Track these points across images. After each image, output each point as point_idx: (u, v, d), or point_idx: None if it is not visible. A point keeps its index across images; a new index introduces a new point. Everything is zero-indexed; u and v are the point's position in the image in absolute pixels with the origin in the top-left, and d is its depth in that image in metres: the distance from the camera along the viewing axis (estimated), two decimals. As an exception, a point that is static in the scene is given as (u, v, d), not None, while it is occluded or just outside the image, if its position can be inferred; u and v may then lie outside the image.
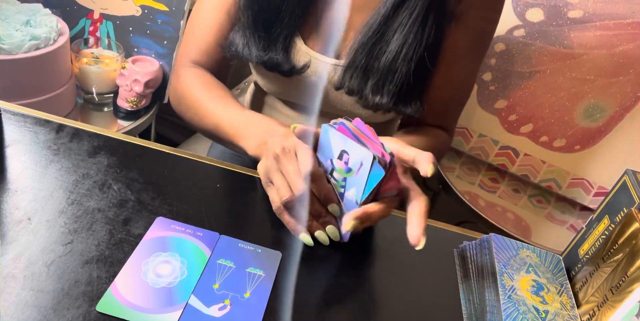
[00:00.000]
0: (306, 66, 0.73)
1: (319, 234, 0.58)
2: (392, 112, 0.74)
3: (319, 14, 0.72)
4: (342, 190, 0.56)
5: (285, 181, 0.57)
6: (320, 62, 0.73)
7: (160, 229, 0.56)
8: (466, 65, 0.76)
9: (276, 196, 0.58)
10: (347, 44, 0.72)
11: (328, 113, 0.79)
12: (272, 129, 0.64)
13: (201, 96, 0.73)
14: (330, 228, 0.58)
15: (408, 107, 0.72)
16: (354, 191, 0.55)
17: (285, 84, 0.77)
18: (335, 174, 0.56)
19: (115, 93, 1.10)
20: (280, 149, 0.57)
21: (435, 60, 0.72)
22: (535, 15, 1.05)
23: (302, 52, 0.73)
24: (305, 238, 0.58)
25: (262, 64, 0.73)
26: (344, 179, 0.55)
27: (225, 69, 0.81)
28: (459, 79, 0.77)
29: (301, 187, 0.55)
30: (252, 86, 0.93)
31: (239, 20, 0.73)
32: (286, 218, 0.58)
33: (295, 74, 0.73)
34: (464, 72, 0.77)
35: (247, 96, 0.95)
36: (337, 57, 0.74)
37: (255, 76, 0.81)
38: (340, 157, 0.55)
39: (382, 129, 0.86)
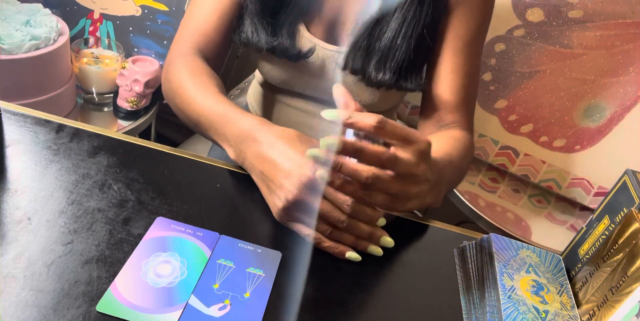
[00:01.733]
0: (311, 51, 0.76)
1: (372, 249, 0.59)
2: (394, 89, 0.76)
3: (320, 2, 0.75)
4: None
5: (317, 217, 0.57)
6: (323, 49, 0.76)
7: (160, 229, 0.56)
8: (471, 51, 0.78)
9: (309, 230, 0.57)
10: (349, 28, 0.75)
11: (333, 101, 0.81)
12: (241, 133, 0.62)
13: (185, 81, 0.71)
14: (385, 240, 0.59)
15: (408, 83, 0.75)
16: None
17: (292, 71, 0.78)
18: None
19: (115, 93, 1.10)
20: (298, 192, 0.56)
21: (434, 37, 0.75)
22: (535, 15, 1.05)
23: (306, 39, 0.76)
24: (352, 255, 0.57)
25: (272, 49, 0.75)
26: None
27: (223, 54, 0.81)
28: (467, 67, 0.78)
29: (343, 218, 0.56)
30: (254, 84, 0.93)
31: (246, 7, 0.75)
32: (327, 245, 0.58)
33: (301, 58, 0.76)
34: (470, 60, 0.78)
35: (250, 95, 0.95)
36: (340, 42, 0.77)
37: (260, 68, 0.82)
38: None
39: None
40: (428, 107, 0.80)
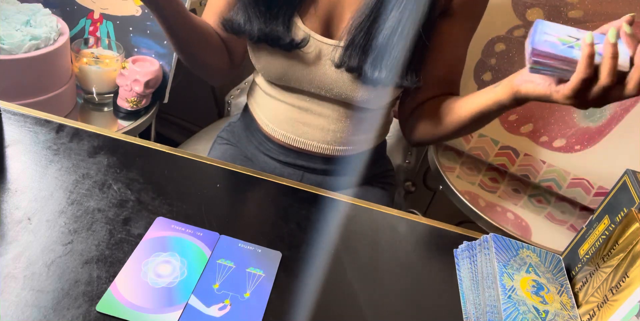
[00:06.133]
0: (305, 40, 0.76)
1: None
2: (390, 87, 0.77)
3: None
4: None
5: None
6: (319, 42, 0.76)
7: (160, 229, 0.56)
8: (463, 47, 0.81)
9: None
10: (345, 24, 0.75)
11: (328, 98, 0.81)
12: None
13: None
14: None
15: (404, 80, 0.76)
16: None
17: (287, 63, 0.79)
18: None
19: (115, 93, 1.10)
20: None
21: (430, 34, 0.76)
22: (535, 15, 1.05)
23: (301, 30, 0.76)
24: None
25: (264, 37, 0.75)
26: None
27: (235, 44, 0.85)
28: (458, 59, 0.82)
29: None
30: (253, 84, 0.93)
31: None
32: None
33: (295, 48, 0.76)
34: (462, 52, 0.82)
35: (250, 94, 0.95)
36: (335, 37, 0.77)
37: (256, 63, 0.82)
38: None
39: (379, 115, 0.87)
40: (412, 93, 0.84)
